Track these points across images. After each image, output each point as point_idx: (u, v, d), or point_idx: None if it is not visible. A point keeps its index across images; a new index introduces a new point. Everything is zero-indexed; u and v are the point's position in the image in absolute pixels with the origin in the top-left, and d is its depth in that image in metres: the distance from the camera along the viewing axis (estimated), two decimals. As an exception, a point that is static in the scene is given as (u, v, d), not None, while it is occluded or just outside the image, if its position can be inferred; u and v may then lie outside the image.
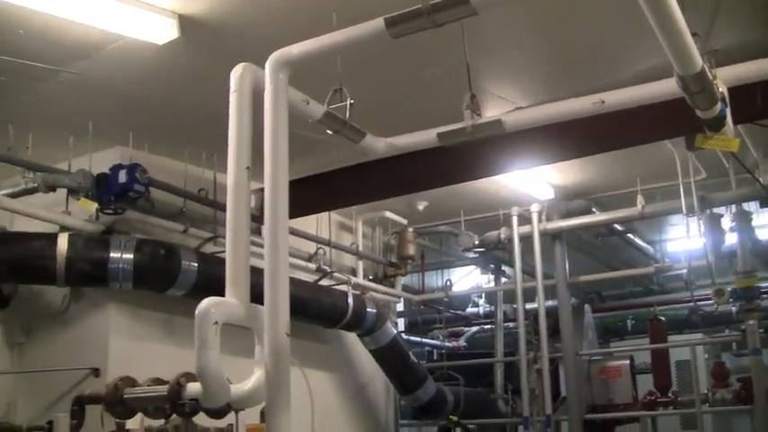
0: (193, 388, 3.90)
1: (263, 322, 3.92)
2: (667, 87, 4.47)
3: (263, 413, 4.59)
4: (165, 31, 5.52)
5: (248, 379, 3.97)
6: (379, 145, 5.13)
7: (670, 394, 10.05)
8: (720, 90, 4.36)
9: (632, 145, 7.13)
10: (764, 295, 9.66)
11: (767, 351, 9.08)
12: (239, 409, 4.24)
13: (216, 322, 3.69)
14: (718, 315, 12.47)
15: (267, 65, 4.14)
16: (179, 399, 3.96)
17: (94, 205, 6.82)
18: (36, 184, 6.70)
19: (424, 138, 5.03)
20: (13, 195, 6.85)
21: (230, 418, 4.49)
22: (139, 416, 4.54)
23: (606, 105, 4.67)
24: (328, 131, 4.75)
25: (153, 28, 5.50)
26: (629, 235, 11.36)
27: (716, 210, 9.14)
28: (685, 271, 9.95)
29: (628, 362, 10.16)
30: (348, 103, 4.55)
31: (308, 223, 9.04)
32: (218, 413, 4.25)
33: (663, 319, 11.16)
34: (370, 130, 5.04)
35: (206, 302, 3.74)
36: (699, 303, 10.81)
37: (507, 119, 4.78)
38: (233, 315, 3.90)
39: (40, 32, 5.58)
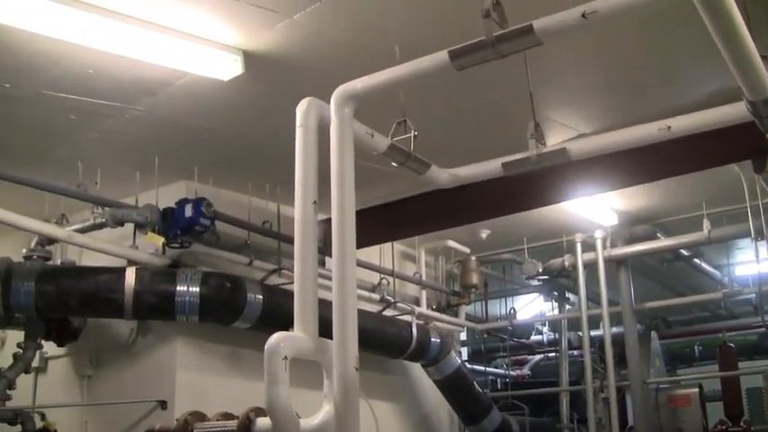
0: (263, 423, 3.89)
1: (331, 357, 3.90)
2: (735, 111, 4.39)
3: (331, 447, 4.60)
4: (229, 68, 5.60)
5: (317, 414, 3.94)
6: (444, 176, 5.12)
7: (742, 423, 9.83)
8: (792, 113, 4.26)
9: (699, 169, 7.02)
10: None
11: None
12: (308, 444, 4.23)
13: (285, 357, 3.69)
14: (789, 340, 12.24)
15: (332, 99, 4.16)
16: (249, 433, 3.96)
17: (161, 239, 6.90)
18: (104, 219, 6.83)
19: (489, 168, 5.00)
20: (83, 230, 6.99)
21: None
22: (209, 450, 4.56)
23: (672, 131, 4.59)
24: (393, 164, 4.76)
25: (218, 64, 5.58)
26: (696, 260, 11.16)
27: (785, 232, 8.94)
28: (754, 295, 9.74)
29: (697, 390, 9.97)
30: (412, 134, 4.55)
31: (372, 253, 9.04)
32: (287, 447, 4.24)
33: (732, 345, 10.93)
34: (433, 160, 5.03)
35: (275, 337, 3.74)
36: (770, 328, 10.53)
37: (572, 147, 4.73)
38: (302, 350, 3.89)
39: (108, 71, 5.71)
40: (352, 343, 3.85)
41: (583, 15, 3.44)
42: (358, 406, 3.87)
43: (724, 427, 9.81)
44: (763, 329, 10.73)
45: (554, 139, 6.43)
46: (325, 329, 4.00)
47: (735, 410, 10.09)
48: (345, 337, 3.85)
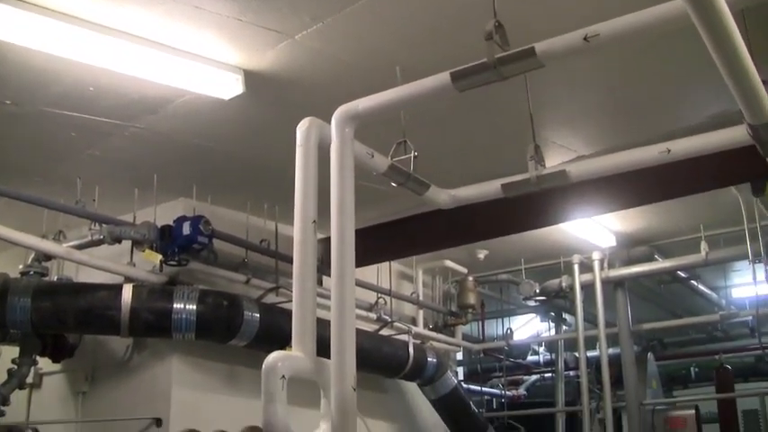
0: (260, 442, 3.88)
1: (329, 376, 3.90)
2: (735, 135, 4.40)
3: (327, 467, 4.58)
4: (230, 87, 5.61)
5: (315, 433, 3.95)
6: (443, 197, 5.12)
7: (739, 445, 9.81)
8: (792, 137, 4.27)
9: (697, 192, 7.02)
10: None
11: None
12: (305, 464, 4.21)
13: (283, 376, 3.68)
14: (787, 363, 12.24)
15: (333, 119, 4.17)
16: (245, 453, 3.95)
17: (158, 257, 6.88)
18: (102, 236, 6.81)
19: (489, 189, 5.00)
20: (80, 247, 6.97)
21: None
22: (205, 469, 4.55)
23: (672, 154, 4.60)
24: (393, 184, 4.76)
25: (219, 83, 5.59)
26: (693, 281, 11.17)
27: (783, 255, 8.95)
28: (751, 317, 9.75)
29: (693, 411, 9.96)
30: (412, 155, 4.56)
31: (369, 273, 9.04)
32: (283, 467, 4.22)
33: (729, 367, 10.92)
34: (433, 181, 5.03)
35: (273, 357, 3.73)
36: (767, 351, 10.51)
37: (572, 169, 4.73)
38: (299, 369, 3.88)
39: (109, 89, 5.71)
40: (350, 363, 3.84)
41: (585, 38, 3.45)
42: (355, 425, 3.86)
43: (720, 450, 9.80)
44: (760, 352, 10.70)
45: (553, 161, 6.43)
46: (322, 348, 3.99)
47: (731, 433, 10.08)
48: (343, 356, 3.84)
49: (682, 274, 10.59)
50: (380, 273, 9.27)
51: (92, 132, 6.40)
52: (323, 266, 5.26)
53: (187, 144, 6.68)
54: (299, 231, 4.11)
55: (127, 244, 6.97)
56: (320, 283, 6.97)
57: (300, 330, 4.00)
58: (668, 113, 6.51)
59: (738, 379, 12.41)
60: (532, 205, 6.96)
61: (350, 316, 3.94)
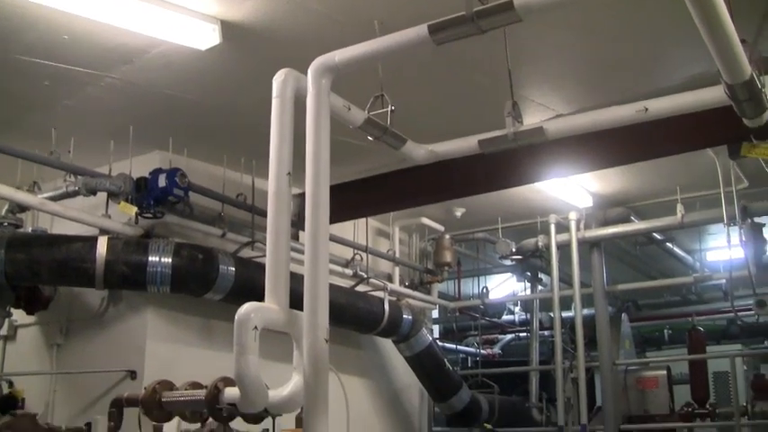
0: (231, 392, 3.89)
1: (301, 328, 3.91)
2: (713, 95, 4.41)
3: (298, 419, 4.61)
4: (207, 37, 5.54)
5: (286, 384, 3.95)
6: (420, 152, 5.11)
7: (708, 406, 9.92)
8: (769, 98, 4.29)
9: (674, 153, 7.05)
10: (807, 307, 9.50)
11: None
12: (276, 415, 4.22)
13: (255, 327, 3.69)
14: (758, 326, 12.37)
15: (310, 71, 4.14)
16: (217, 403, 3.95)
17: (134, 209, 6.84)
18: (77, 188, 6.76)
19: (465, 145, 5.00)
20: (55, 198, 6.93)
21: (267, 423, 4.49)
22: (176, 419, 4.55)
23: (650, 113, 4.60)
24: (369, 138, 4.74)
25: (195, 34, 5.53)
26: (668, 244, 11.24)
27: (757, 219, 9.01)
28: (725, 281, 9.83)
29: (665, 372, 10.05)
30: (389, 109, 4.54)
31: (346, 229, 9.05)
32: (255, 418, 4.24)
33: (701, 329, 11.04)
34: (410, 137, 5.02)
35: (246, 307, 3.74)
36: (739, 314, 10.61)
37: (549, 126, 4.73)
38: (272, 320, 3.89)
39: (83, 38, 5.63)
40: (322, 314, 3.85)
41: (563, -8, 3.43)
42: (327, 377, 3.88)
43: (690, 409, 9.90)
44: (732, 315, 10.80)
45: (531, 119, 6.41)
46: (296, 303, 3.99)
47: (701, 393, 10.18)
48: (316, 307, 3.85)
49: (657, 236, 10.65)
50: (357, 229, 9.28)
51: (66, 82, 6.32)
52: (299, 222, 5.25)
53: (163, 95, 6.61)
54: (273, 182, 4.10)
55: (102, 196, 6.92)
56: (297, 238, 6.97)
57: (274, 281, 4.00)
58: (648, 74, 6.49)
59: (710, 341, 12.53)
60: (510, 163, 6.96)
61: (323, 265, 3.94)
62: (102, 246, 6.57)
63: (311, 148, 4.03)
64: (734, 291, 9.60)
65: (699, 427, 10.27)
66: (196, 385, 4.28)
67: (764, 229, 9.02)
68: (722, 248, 9.94)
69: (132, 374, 7.01)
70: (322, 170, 4.02)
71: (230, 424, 4.21)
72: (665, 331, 14.59)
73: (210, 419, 4.24)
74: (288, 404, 3.97)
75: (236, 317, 3.69)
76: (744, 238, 8.74)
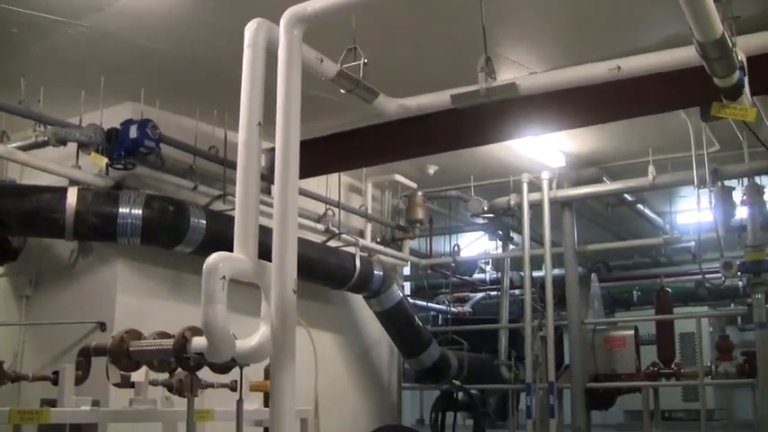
0: (199, 342, 3.88)
1: (270, 278, 3.92)
2: (685, 55, 4.44)
3: (267, 371, 4.62)
4: (179, -15, 5.48)
5: (254, 335, 3.96)
6: (392, 106, 5.10)
7: (673, 366, 10.09)
8: (739, 58, 4.31)
9: (647, 114, 7.06)
10: (773, 269, 9.62)
11: (773, 325, 9.06)
12: (244, 365, 4.23)
13: (223, 277, 3.68)
14: (724, 289, 12.55)
15: (282, 21, 4.11)
16: (184, 352, 3.94)
17: (104, 160, 6.78)
18: (47, 138, 6.66)
19: (438, 99, 5.00)
20: (24, 148, 6.84)
21: (234, 374, 4.50)
22: (144, 369, 4.55)
23: (622, 72, 4.63)
24: (341, 90, 4.72)
25: (167, -19, 5.46)
26: (639, 205, 11.32)
27: (728, 182, 9.09)
28: (694, 243, 9.93)
29: (632, 332, 10.18)
30: (362, 62, 4.52)
31: (318, 184, 9.03)
32: (222, 368, 4.24)
33: (669, 290, 11.17)
34: (383, 91, 5.00)
35: (214, 257, 3.73)
36: (706, 276, 10.74)
37: (522, 82, 4.74)
38: (240, 270, 3.89)
39: (52, -17, 5.54)
40: (290, 264, 3.86)
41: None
42: (294, 328, 3.89)
43: (656, 369, 10.06)
44: (700, 277, 10.92)
45: (505, 76, 6.39)
46: (266, 256, 3.99)
47: (667, 353, 10.35)
48: (284, 257, 3.85)
49: (629, 197, 10.72)
50: (329, 185, 9.25)
51: (35, 29, 6.20)
52: (270, 176, 5.23)
53: (134, 45, 6.52)
54: (244, 132, 4.08)
55: (72, 147, 6.84)
56: (269, 192, 6.94)
57: (243, 232, 4.00)
58: (625, 35, 6.47)
59: (678, 303, 12.70)
60: (483, 120, 6.95)
61: (292, 216, 3.94)
62: (72, 196, 6.52)
63: (282, 99, 4.01)
64: (702, 253, 9.70)
65: (664, 386, 10.44)
66: (164, 335, 4.26)
67: (734, 193, 9.12)
68: (692, 211, 10.02)
69: (102, 326, 7.00)
70: (293, 120, 4.00)
71: (198, 374, 4.22)
72: (634, 292, 14.77)
73: (178, 369, 4.24)
74: (255, 354, 3.98)
75: (204, 266, 3.69)
76: (713, 201, 8.83)
